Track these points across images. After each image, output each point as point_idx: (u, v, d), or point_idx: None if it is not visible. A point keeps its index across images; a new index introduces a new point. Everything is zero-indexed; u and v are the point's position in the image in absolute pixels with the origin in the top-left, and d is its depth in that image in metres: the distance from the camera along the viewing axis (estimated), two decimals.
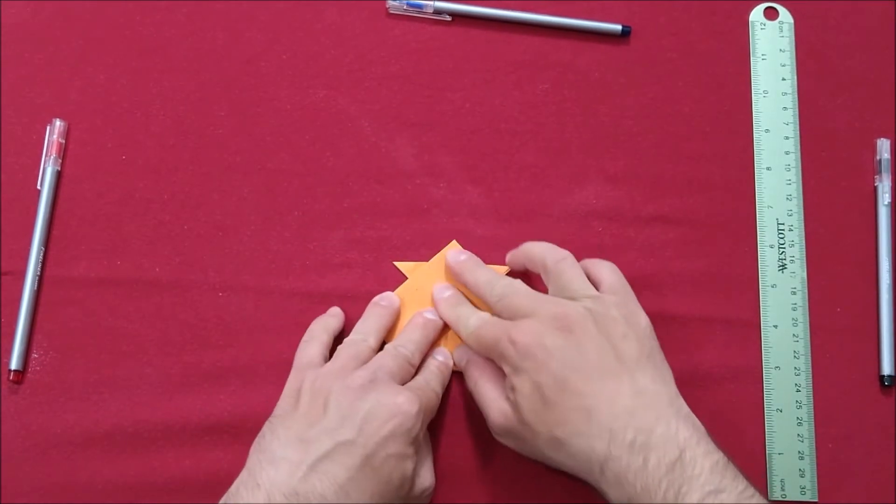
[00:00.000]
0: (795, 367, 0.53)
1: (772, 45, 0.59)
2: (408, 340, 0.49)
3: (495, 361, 0.46)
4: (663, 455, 0.40)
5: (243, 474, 0.43)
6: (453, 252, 0.52)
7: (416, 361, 0.49)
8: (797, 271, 0.55)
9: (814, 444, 0.52)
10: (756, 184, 0.56)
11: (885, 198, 0.56)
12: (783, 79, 0.58)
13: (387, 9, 0.58)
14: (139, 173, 0.55)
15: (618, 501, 0.41)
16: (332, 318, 0.52)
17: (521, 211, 0.55)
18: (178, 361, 0.52)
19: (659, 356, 0.45)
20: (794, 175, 0.56)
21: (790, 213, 0.56)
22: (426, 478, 0.46)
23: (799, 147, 0.57)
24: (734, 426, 0.52)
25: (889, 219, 0.56)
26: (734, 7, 0.60)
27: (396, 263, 0.54)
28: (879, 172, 0.56)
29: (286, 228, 0.54)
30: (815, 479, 0.51)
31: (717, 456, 0.41)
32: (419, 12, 0.58)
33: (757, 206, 0.56)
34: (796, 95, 0.58)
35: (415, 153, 0.56)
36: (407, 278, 0.53)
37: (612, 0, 0.59)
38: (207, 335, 0.52)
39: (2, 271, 0.53)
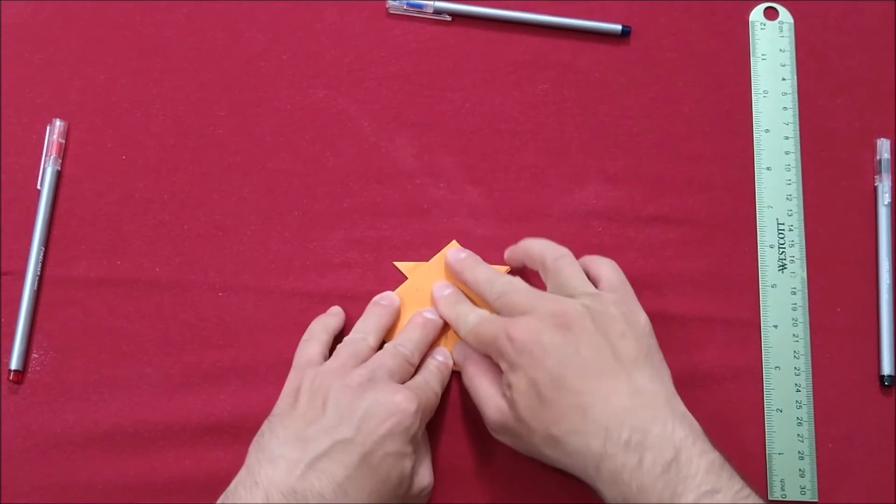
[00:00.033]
0: (795, 367, 0.53)
1: (772, 45, 0.59)
2: (407, 340, 0.49)
3: (493, 358, 0.46)
4: (659, 455, 0.40)
5: (242, 473, 0.43)
6: (453, 250, 0.52)
7: (416, 361, 0.49)
8: (797, 271, 0.55)
9: (814, 444, 0.52)
10: (756, 184, 0.56)
11: (885, 198, 0.56)
12: (783, 79, 0.58)
13: (387, 9, 0.58)
14: (139, 173, 0.55)
15: (614, 501, 0.41)
16: (332, 317, 0.52)
17: (521, 211, 0.55)
18: (178, 361, 0.52)
19: (657, 356, 0.45)
20: (794, 175, 0.56)
21: (790, 213, 0.56)
22: (425, 477, 0.46)
23: (799, 147, 0.57)
24: (734, 426, 0.52)
25: (889, 219, 0.56)
26: (734, 7, 0.60)
27: (396, 263, 0.54)
28: (879, 172, 0.56)
29: (286, 228, 0.54)
30: (815, 479, 0.51)
31: (713, 456, 0.41)
32: (419, 12, 0.58)
33: (757, 206, 0.56)
34: (796, 95, 0.58)
35: (415, 153, 0.56)
36: (407, 278, 0.53)
37: (612, 0, 0.59)
38: (207, 335, 0.52)
39: (2, 271, 0.53)
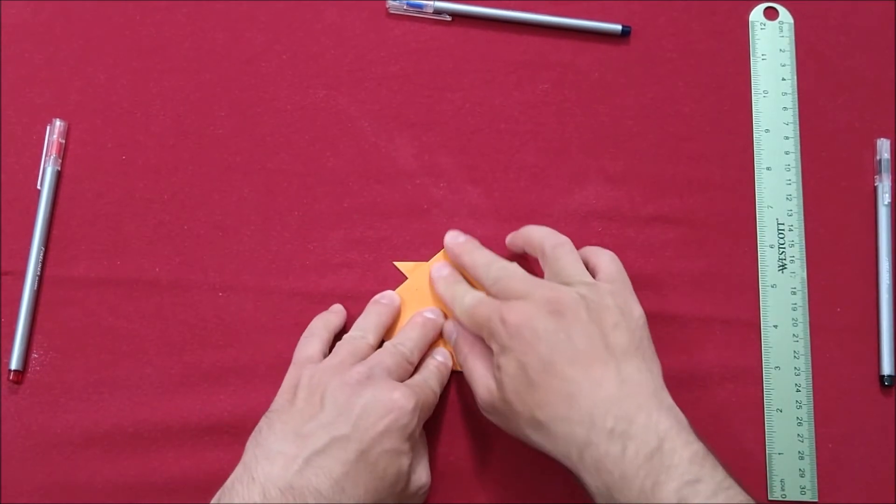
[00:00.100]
0: (795, 367, 0.53)
1: (772, 45, 0.59)
2: (406, 339, 0.49)
3: (485, 340, 0.46)
4: (642, 444, 0.40)
5: (239, 469, 0.44)
6: (452, 234, 0.52)
7: (415, 360, 0.49)
8: (797, 271, 0.55)
9: (814, 444, 0.52)
10: (756, 184, 0.56)
11: (885, 198, 0.56)
12: (783, 79, 0.58)
13: (387, 9, 0.58)
14: (139, 173, 0.55)
15: (596, 488, 0.41)
16: (333, 314, 0.52)
17: (521, 211, 0.55)
18: (178, 361, 0.52)
19: (649, 349, 0.45)
20: (794, 175, 0.56)
21: (790, 213, 0.56)
22: (422, 475, 0.47)
23: (799, 147, 0.57)
24: (734, 426, 0.52)
25: (889, 219, 0.56)
26: (734, 7, 0.60)
27: (396, 263, 0.54)
28: (879, 172, 0.56)
29: (286, 228, 0.54)
30: (815, 479, 0.51)
31: (697, 447, 0.40)
32: (419, 12, 0.58)
33: (757, 206, 0.56)
34: (796, 95, 0.58)
35: (415, 153, 0.56)
36: (407, 278, 0.53)
37: (612, 0, 0.59)
38: (207, 335, 0.52)
39: (2, 271, 0.53)
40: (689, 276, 0.54)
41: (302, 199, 0.55)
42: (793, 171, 0.56)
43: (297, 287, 0.53)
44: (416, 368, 0.49)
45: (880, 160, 0.56)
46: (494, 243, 0.53)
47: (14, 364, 0.51)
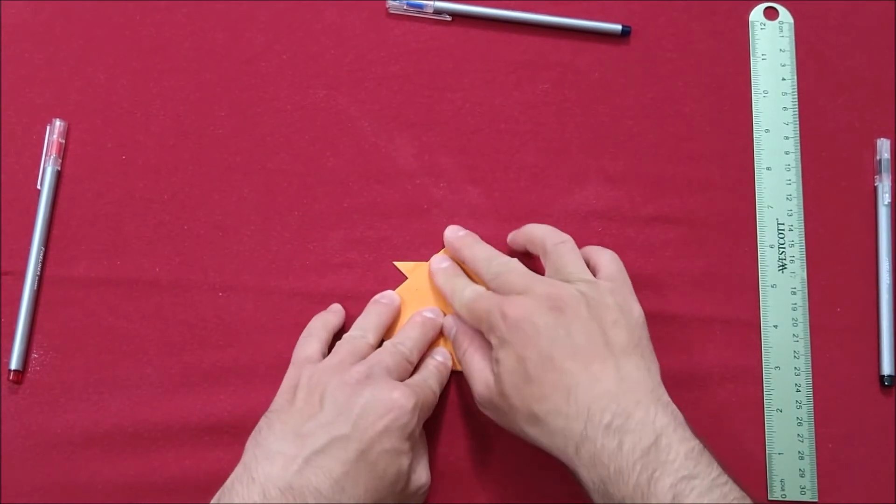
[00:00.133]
0: (795, 367, 0.53)
1: (772, 45, 0.59)
2: (406, 338, 0.49)
3: (484, 334, 0.46)
4: (639, 439, 0.40)
5: (238, 469, 0.44)
6: (453, 228, 0.53)
7: (414, 359, 0.49)
8: (797, 271, 0.55)
9: (814, 444, 0.52)
10: (756, 184, 0.56)
11: (885, 198, 0.56)
12: (783, 79, 0.58)
13: (387, 9, 0.58)
14: (139, 173, 0.55)
15: (591, 483, 0.41)
16: (331, 314, 0.52)
17: (521, 211, 0.55)
18: (178, 361, 0.52)
19: (648, 348, 0.45)
20: (794, 175, 0.56)
21: (790, 213, 0.56)
22: (421, 475, 0.47)
23: (799, 147, 0.57)
24: (734, 426, 0.52)
25: (889, 219, 0.56)
26: (734, 7, 0.60)
27: (396, 263, 0.54)
28: (879, 172, 0.56)
29: (286, 228, 0.54)
30: (815, 479, 0.51)
31: (694, 443, 0.41)
32: (419, 12, 0.58)
33: (757, 206, 0.56)
34: (796, 95, 0.58)
35: (415, 153, 0.56)
36: (407, 278, 0.53)
37: (612, 0, 0.59)
38: (207, 335, 0.52)
39: (2, 271, 0.53)
40: (689, 276, 0.54)
41: (302, 199, 0.55)
42: (793, 171, 0.56)
43: (297, 287, 0.53)
44: (416, 368, 0.50)
45: (880, 160, 0.56)
46: (494, 243, 0.53)
47: (14, 364, 0.51)
